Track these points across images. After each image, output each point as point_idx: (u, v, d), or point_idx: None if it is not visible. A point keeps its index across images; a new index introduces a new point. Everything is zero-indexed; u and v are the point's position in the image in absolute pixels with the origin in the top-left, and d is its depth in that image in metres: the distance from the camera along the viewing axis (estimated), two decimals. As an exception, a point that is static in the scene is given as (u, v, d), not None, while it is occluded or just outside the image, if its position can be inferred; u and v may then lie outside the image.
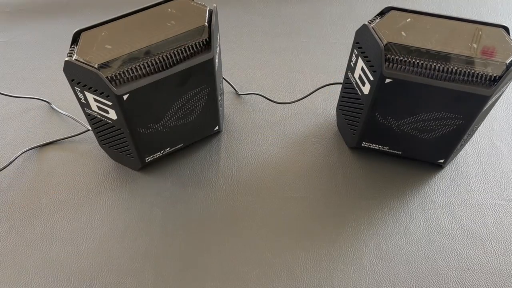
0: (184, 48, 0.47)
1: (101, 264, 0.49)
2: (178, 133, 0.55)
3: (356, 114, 0.56)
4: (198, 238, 0.52)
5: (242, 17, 0.81)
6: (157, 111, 0.50)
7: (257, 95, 0.67)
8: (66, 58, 0.44)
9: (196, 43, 0.47)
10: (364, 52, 0.50)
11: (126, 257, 0.50)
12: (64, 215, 0.53)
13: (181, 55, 0.47)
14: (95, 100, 0.47)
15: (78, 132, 0.61)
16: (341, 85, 0.60)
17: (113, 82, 0.44)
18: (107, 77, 0.43)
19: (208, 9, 0.50)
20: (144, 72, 0.45)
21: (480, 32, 0.49)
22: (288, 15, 0.82)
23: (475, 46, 0.48)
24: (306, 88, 0.68)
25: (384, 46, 0.47)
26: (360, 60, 0.51)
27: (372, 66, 0.48)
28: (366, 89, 0.51)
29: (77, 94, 0.48)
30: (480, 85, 0.46)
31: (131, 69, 0.44)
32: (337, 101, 0.62)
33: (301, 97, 0.66)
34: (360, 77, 0.52)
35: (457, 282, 0.48)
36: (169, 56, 0.46)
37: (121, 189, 0.56)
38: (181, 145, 0.58)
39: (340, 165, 0.59)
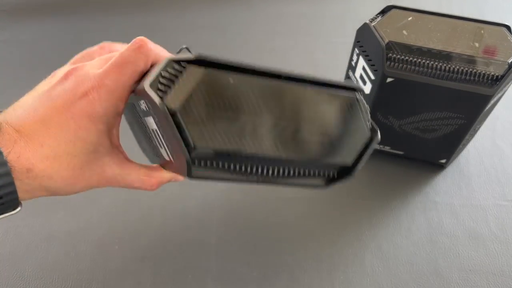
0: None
1: (99, 265, 0.49)
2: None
3: (357, 114, 0.55)
4: (198, 238, 0.51)
5: (242, 17, 0.81)
6: None
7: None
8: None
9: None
10: (365, 51, 0.50)
11: (125, 258, 0.50)
12: (63, 215, 0.53)
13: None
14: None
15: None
16: (341, 84, 0.59)
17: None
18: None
19: None
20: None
21: (482, 31, 0.49)
22: (288, 14, 0.82)
23: (477, 45, 0.47)
24: (306, 87, 0.68)
25: (385, 45, 0.46)
26: (361, 59, 0.51)
27: (373, 65, 0.48)
28: (367, 88, 0.50)
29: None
30: (482, 84, 0.46)
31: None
32: (337, 101, 0.62)
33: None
34: (361, 76, 0.51)
35: (459, 284, 0.48)
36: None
37: (120, 189, 0.55)
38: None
39: (340, 165, 0.59)
